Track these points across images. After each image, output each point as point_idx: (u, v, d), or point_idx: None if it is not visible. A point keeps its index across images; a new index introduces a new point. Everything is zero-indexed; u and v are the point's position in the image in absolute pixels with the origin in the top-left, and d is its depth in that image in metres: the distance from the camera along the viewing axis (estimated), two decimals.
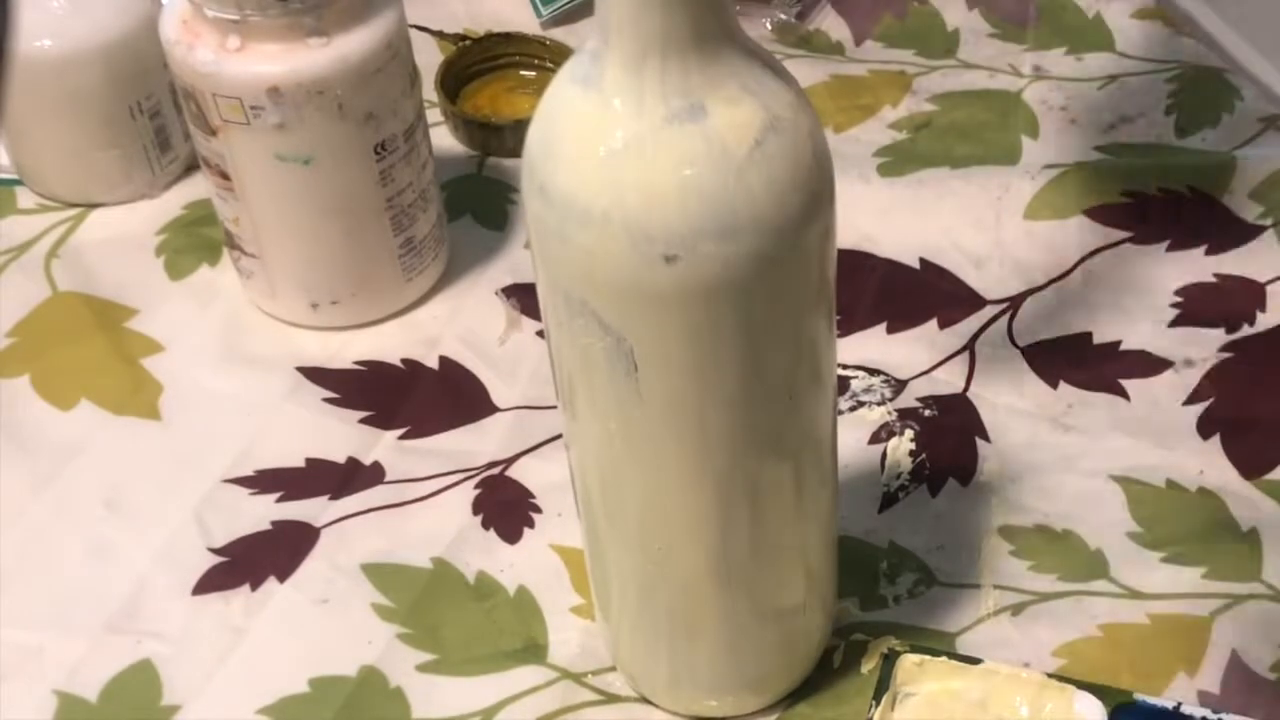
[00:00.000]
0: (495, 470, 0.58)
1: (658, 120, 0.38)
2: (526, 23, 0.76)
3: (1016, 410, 0.59)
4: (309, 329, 0.63)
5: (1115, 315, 0.62)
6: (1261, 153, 0.68)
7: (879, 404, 0.60)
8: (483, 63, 0.74)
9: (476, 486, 0.58)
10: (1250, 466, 0.57)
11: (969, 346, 0.62)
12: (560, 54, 0.72)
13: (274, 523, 0.57)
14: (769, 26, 0.76)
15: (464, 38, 0.75)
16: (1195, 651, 0.52)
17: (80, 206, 0.69)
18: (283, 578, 0.55)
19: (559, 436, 0.54)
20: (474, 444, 0.59)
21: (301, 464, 0.59)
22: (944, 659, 0.49)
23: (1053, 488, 0.56)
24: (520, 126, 0.40)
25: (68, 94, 0.65)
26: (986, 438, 0.58)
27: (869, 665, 0.52)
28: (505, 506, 0.57)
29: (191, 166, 0.69)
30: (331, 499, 0.58)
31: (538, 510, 0.57)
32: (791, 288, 0.41)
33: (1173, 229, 0.65)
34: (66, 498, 0.58)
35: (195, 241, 0.67)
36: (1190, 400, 0.59)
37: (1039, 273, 0.64)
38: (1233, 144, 0.69)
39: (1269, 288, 0.63)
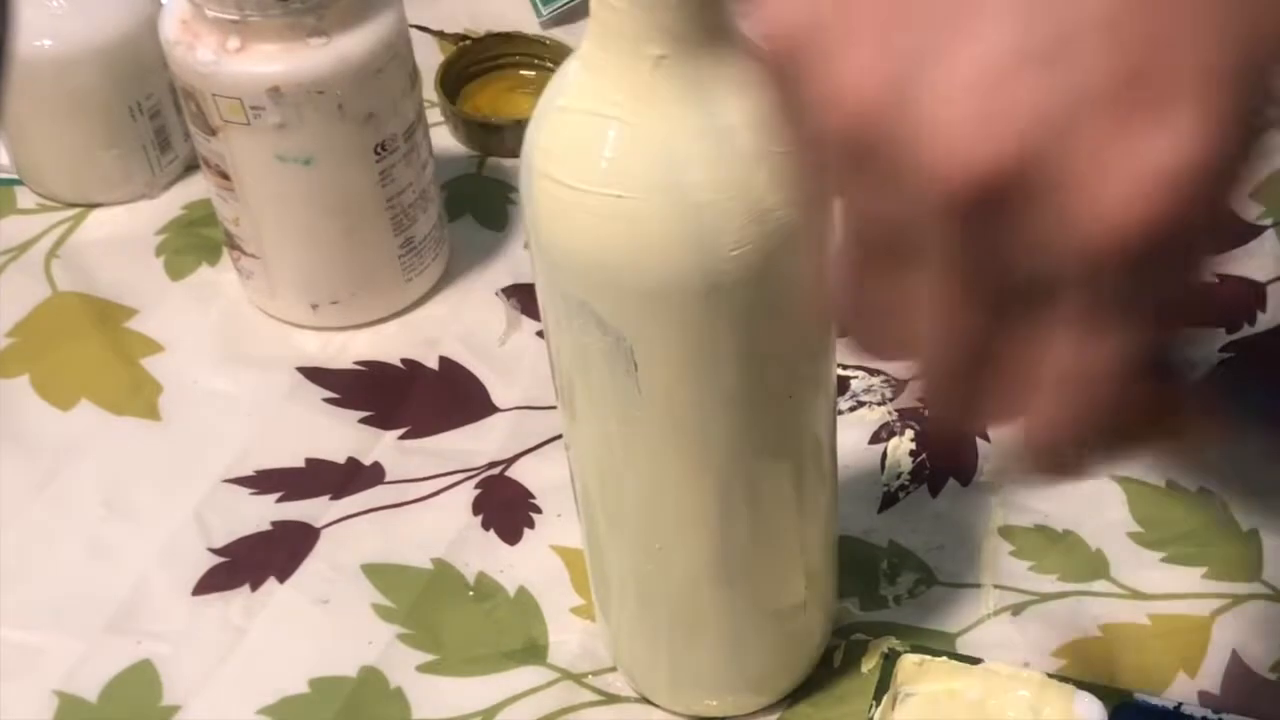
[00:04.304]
0: (495, 470, 0.58)
1: None
2: (526, 23, 0.76)
3: None
4: (309, 329, 0.63)
5: None
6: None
7: (879, 404, 0.60)
8: (483, 63, 0.74)
9: (476, 487, 0.58)
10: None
11: None
12: (560, 54, 0.72)
13: (274, 523, 0.57)
14: None
15: (464, 38, 0.75)
16: (1195, 651, 0.52)
17: (80, 206, 0.69)
18: (283, 578, 0.55)
19: (559, 436, 0.54)
20: (474, 444, 0.59)
21: (301, 464, 0.59)
22: (944, 659, 0.49)
23: (1053, 488, 0.56)
24: (520, 126, 0.40)
25: (68, 94, 0.65)
26: (986, 437, 0.58)
27: (869, 665, 0.52)
28: (505, 507, 0.57)
29: (191, 166, 0.69)
30: (332, 499, 0.58)
31: (538, 510, 0.57)
32: (792, 286, 0.41)
33: None
34: (66, 498, 0.58)
35: (195, 241, 0.67)
36: None
37: None
38: None
39: (1269, 288, 0.63)
